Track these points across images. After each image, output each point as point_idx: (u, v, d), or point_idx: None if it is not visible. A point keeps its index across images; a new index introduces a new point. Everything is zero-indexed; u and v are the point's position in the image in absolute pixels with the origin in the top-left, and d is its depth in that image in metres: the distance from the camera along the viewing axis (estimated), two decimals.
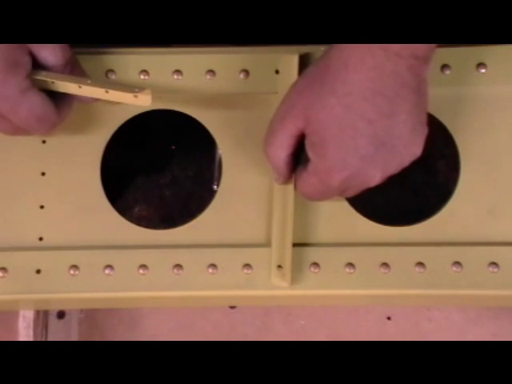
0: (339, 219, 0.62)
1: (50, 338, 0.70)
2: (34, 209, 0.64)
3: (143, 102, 0.56)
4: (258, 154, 0.64)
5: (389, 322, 0.74)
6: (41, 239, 0.63)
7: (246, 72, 0.64)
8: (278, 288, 0.61)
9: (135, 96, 0.56)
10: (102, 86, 0.57)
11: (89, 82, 0.57)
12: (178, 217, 0.85)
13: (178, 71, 0.64)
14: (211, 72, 0.64)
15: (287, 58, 0.62)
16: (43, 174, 0.64)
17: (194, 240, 0.63)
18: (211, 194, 0.65)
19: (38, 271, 0.62)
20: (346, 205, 0.63)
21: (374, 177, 0.54)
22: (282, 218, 0.61)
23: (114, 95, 0.57)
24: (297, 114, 0.54)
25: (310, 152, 0.55)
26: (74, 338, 0.74)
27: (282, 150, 0.56)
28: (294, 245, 0.62)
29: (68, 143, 0.64)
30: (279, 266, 0.61)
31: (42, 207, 0.64)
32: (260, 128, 0.64)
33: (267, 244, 0.62)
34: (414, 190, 0.81)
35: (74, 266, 0.62)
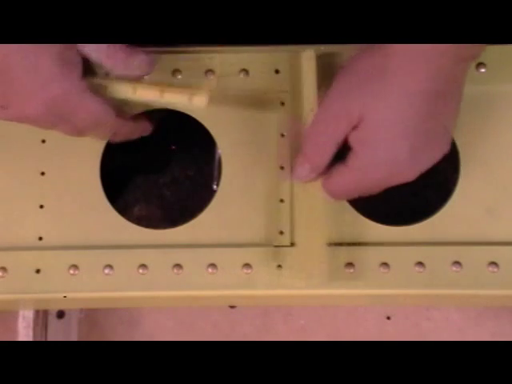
0: (339, 219, 0.62)
1: (50, 338, 0.70)
2: (33, 208, 0.64)
3: (199, 103, 0.56)
4: (257, 153, 0.64)
5: (388, 321, 0.74)
6: (40, 239, 0.63)
7: (246, 72, 0.64)
8: (278, 288, 0.61)
9: (190, 98, 0.56)
10: (156, 88, 0.57)
11: (142, 84, 0.57)
12: (177, 217, 0.85)
13: (177, 71, 0.64)
14: (211, 72, 0.64)
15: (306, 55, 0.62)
16: (43, 173, 0.64)
17: (193, 240, 0.63)
18: (211, 193, 0.65)
19: (38, 271, 0.62)
20: (346, 205, 0.63)
21: (413, 175, 0.55)
22: (311, 218, 0.61)
23: (168, 96, 0.57)
24: (352, 111, 0.54)
25: (358, 146, 0.54)
26: (74, 337, 0.74)
27: (331, 148, 0.56)
28: (294, 244, 0.62)
29: (68, 143, 0.64)
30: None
31: (41, 207, 0.64)
32: (260, 128, 0.64)
33: (267, 244, 0.62)
34: (414, 190, 0.81)
35: (74, 266, 0.62)
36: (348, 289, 0.61)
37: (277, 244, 0.62)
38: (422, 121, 0.53)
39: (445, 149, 0.55)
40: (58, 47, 0.54)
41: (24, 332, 0.67)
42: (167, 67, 0.64)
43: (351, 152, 0.55)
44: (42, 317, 0.69)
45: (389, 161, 0.54)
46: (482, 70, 0.63)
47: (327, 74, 0.60)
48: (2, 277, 0.62)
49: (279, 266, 0.61)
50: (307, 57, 0.61)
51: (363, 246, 0.62)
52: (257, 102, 0.64)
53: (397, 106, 0.53)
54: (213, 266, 0.61)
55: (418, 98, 0.53)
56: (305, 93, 0.60)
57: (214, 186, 0.72)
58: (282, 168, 0.63)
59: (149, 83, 0.59)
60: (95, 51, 0.56)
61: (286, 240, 0.62)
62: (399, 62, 0.52)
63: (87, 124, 0.57)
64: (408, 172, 0.55)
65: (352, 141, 0.55)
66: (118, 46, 0.57)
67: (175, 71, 0.64)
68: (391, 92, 0.53)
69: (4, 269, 0.62)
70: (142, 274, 0.62)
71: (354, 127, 0.54)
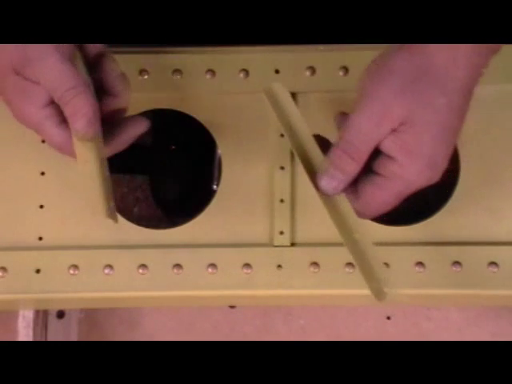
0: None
1: (50, 338, 0.70)
2: (33, 208, 0.64)
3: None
4: (257, 153, 0.64)
5: (388, 321, 0.74)
6: (40, 239, 0.63)
7: (246, 72, 0.64)
8: (278, 288, 0.61)
9: None
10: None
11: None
12: (177, 217, 0.85)
13: (177, 71, 0.64)
14: (211, 72, 0.64)
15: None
16: (43, 173, 0.64)
17: (193, 240, 0.63)
18: (211, 193, 0.65)
19: (38, 271, 0.62)
20: None
21: (440, 176, 0.53)
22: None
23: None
24: (395, 114, 0.51)
25: (399, 152, 0.51)
26: (74, 337, 0.74)
27: (366, 155, 0.52)
28: (294, 244, 0.62)
29: None
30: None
31: (41, 207, 0.64)
32: (260, 128, 0.64)
33: (267, 244, 0.62)
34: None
35: (74, 266, 0.62)
36: (348, 289, 0.61)
37: (277, 244, 0.62)
38: (456, 118, 0.52)
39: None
40: (17, 80, 0.54)
41: (24, 332, 0.67)
42: (167, 67, 0.64)
43: (386, 160, 0.52)
44: (41, 317, 0.69)
45: (431, 166, 0.51)
46: (482, 70, 0.63)
47: None
48: (2, 277, 0.62)
49: (279, 266, 0.61)
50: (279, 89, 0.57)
51: None
52: (257, 101, 0.64)
53: (438, 107, 0.51)
54: (213, 265, 0.61)
55: (455, 96, 0.51)
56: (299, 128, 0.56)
57: (214, 186, 0.72)
58: (282, 168, 0.63)
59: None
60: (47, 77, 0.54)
61: (285, 240, 0.62)
62: (442, 61, 0.51)
63: (53, 147, 0.56)
64: (439, 174, 0.53)
65: (389, 146, 0.51)
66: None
67: (175, 71, 0.64)
68: (434, 93, 0.51)
69: (4, 269, 0.62)
70: (142, 273, 0.62)
71: (393, 131, 0.51)
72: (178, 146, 0.86)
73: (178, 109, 0.65)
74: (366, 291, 0.61)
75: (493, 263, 0.61)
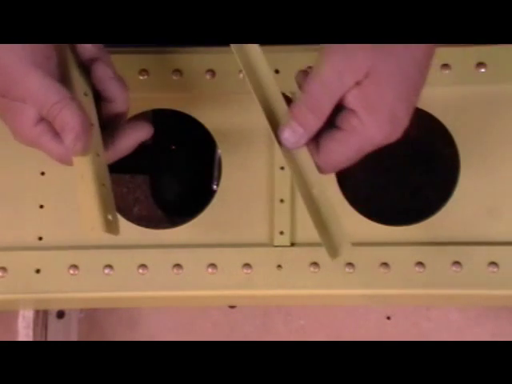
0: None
1: (50, 338, 0.70)
2: (33, 208, 0.64)
3: None
4: (257, 154, 0.64)
5: (388, 321, 0.74)
6: (40, 239, 0.63)
7: None
8: (278, 288, 0.61)
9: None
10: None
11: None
12: (177, 216, 0.85)
13: (177, 71, 0.64)
14: (211, 72, 0.64)
15: None
16: (43, 173, 0.64)
17: (193, 240, 0.63)
18: (211, 193, 0.65)
19: (38, 271, 0.62)
20: (346, 205, 0.63)
21: (399, 135, 0.52)
22: None
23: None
24: (359, 66, 0.50)
25: (360, 106, 0.50)
26: (74, 337, 0.74)
27: (328, 109, 0.51)
28: (294, 244, 0.62)
29: None
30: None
31: (41, 207, 0.64)
32: (260, 128, 0.64)
33: (267, 244, 0.62)
34: (414, 190, 0.81)
35: (74, 266, 0.62)
36: (348, 289, 0.61)
37: (277, 244, 0.62)
38: (418, 73, 0.52)
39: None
40: (4, 102, 0.53)
41: (24, 332, 0.67)
42: (167, 67, 0.64)
43: (348, 114, 0.51)
44: (41, 317, 0.69)
45: (391, 120, 0.51)
46: (482, 70, 0.63)
47: None
48: (2, 277, 0.62)
49: (279, 266, 0.61)
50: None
51: (363, 246, 0.62)
52: (256, 102, 0.64)
53: (402, 59, 0.50)
54: (213, 265, 0.61)
55: (419, 51, 0.51)
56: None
57: (214, 186, 0.72)
58: (282, 168, 0.63)
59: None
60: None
61: (285, 240, 0.62)
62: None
63: (56, 160, 0.56)
64: (399, 132, 0.52)
65: (352, 101, 0.51)
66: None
67: (175, 71, 0.64)
68: (398, 46, 0.50)
69: (4, 269, 0.62)
70: (142, 274, 0.62)
71: (357, 84, 0.50)
72: (178, 146, 0.86)
73: (178, 109, 0.65)
74: (366, 291, 0.62)
75: (493, 263, 0.60)
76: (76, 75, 0.56)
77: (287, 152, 0.53)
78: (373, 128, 0.51)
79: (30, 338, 0.67)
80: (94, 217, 0.52)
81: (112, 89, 0.55)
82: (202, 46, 0.64)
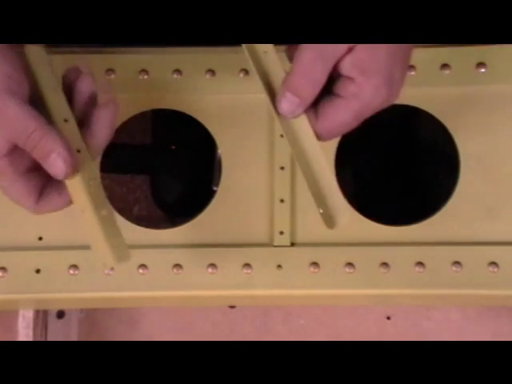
0: None
1: (50, 338, 0.70)
2: None
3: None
4: (257, 153, 0.64)
5: (388, 321, 0.74)
6: (40, 239, 0.63)
7: (246, 72, 0.64)
8: (278, 288, 0.61)
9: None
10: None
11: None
12: (177, 217, 0.85)
13: (177, 71, 0.64)
14: (211, 72, 0.64)
15: None
16: None
17: (193, 240, 0.63)
18: (211, 193, 0.65)
19: (38, 271, 0.62)
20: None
21: (396, 99, 0.52)
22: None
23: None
24: None
25: (356, 71, 0.50)
26: (74, 337, 0.74)
27: (323, 76, 0.51)
28: (294, 244, 0.62)
29: None
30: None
31: None
32: (260, 128, 0.64)
33: (267, 244, 0.62)
34: (414, 190, 0.81)
35: (74, 266, 0.62)
36: (348, 289, 0.61)
37: (277, 244, 0.62)
38: (410, 47, 0.52)
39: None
40: None
41: (24, 332, 0.67)
42: (168, 67, 0.64)
43: (345, 80, 0.51)
44: (41, 317, 0.69)
45: (387, 83, 0.50)
46: (482, 70, 0.63)
47: None
48: (2, 277, 0.62)
49: (279, 266, 0.61)
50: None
51: (363, 246, 0.62)
52: (257, 101, 0.64)
53: None
54: (213, 266, 0.61)
55: None
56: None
57: (214, 186, 0.72)
58: (282, 168, 0.63)
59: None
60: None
61: (285, 240, 0.62)
62: None
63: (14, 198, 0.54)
64: (396, 95, 0.51)
65: (346, 67, 0.50)
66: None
67: (175, 71, 0.64)
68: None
69: (4, 269, 0.62)
70: (142, 273, 0.62)
71: (350, 49, 0.50)
72: (178, 146, 0.86)
73: (178, 109, 0.65)
74: (366, 291, 0.62)
75: (493, 263, 0.60)
76: (54, 100, 0.54)
77: (285, 121, 0.52)
78: (371, 92, 0.50)
79: (30, 338, 0.67)
80: (105, 251, 0.52)
81: (95, 119, 0.54)
82: (201, 46, 0.64)
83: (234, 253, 0.62)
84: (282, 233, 0.62)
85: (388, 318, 0.74)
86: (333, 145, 0.63)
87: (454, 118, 0.63)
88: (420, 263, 0.61)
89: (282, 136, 0.63)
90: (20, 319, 0.67)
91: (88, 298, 0.63)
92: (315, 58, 0.51)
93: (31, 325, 0.67)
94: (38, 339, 0.68)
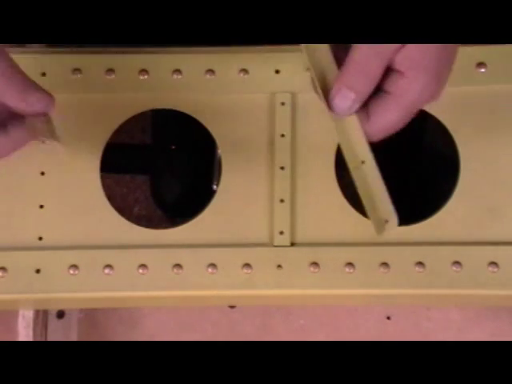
0: (339, 219, 0.62)
1: (50, 338, 0.70)
2: (33, 208, 0.64)
3: None
4: (257, 153, 0.64)
5: (388, 321, 0.74)
6: (40, 239, 0.63)
7: (246, 72, 0.64)
8: (278, 288, 0.61)
9: None
10: None
11: None
12: (177, 216, 0.85)
13: (177, 71, 0.64)
14: (211, 72, 0.64)
15: None
16: (43, 173, 0.64)
17: (193, 240, 0.63)
18: (211, 193, 0.65)
19: (38, 271, 0.62)
20: (346, 205, 0.63)
21: (439, 95, 0.52)
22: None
23: None
24: None
25: (407, 66, 0.50)
26: (74, 337, 0.74)
27: (379, 71, 0.50)
28: (294, 244, 0.62)
29: (68, 143, 0.64)
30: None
31: (41, 207, 0.64)
32: (260, 128, 0.64)
33: (267, 244, 0.62)
34: (414, 190, 0.81)
35: (74, 266, 0.62)
36: (348, 289, 0.61)
37: (277, 244, 0.62)
38: (456, 47, 0.52)
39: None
40: None
41: (24, 332, 0.67)
42: (168, 67, 0.64)
43: (395, 76, 0.51)
44: (41, 317, 0.69)
45: (436, 78, 0.51)
46: (482, 70, 0.63)
47: None
48: (2, 277, 0.62)
49: (279, 266, 0.61)
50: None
51: (363, 246, 0.62)
52: (257, 101, 0.64)
53: None
54: (213, 265, 0.61)
55: None
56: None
57: (214, 186, 0.72)
58: (282, 168, 0.63)
59: None
60: None
61: (285, 240, 0.62)
62: None
63: None
64: (441, 93, 0.51)
65: (399, 61, 0.50)
66: (13, 80, 0.52)
67: (175, 71, 0.64)
68: None
69: (4, 269, 0.62)
70: (142, 273, 0.62)
71: (402, 45, 0.50)
72: (178, 146, 0.86)
73: (178, 109, 0.65)
74: (366, 291, 0.62)
75: (493, 263, 0.60)
76: None
77: (338, 122, 0.52)
78: (420, 88, 0.50)
79: (30, 338, 0.67)
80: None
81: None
82: (201, 46, 0.64)
83: (233, 253, 0.62)
84: (281, 233, 0.62)
85: (388, 318, 0.74)
86: (333, 145, 0.63)
87: (454, 118, 0.63)
88: (420, 263, 0.61)
89: (282, 136, 0.63)
90: (20, 319, 0.67)
91: (88, 298, 0.63)
92: (371, 55, 0.50)
93: (31, 325, 0.67)
94: (38, 339, 0.68)
